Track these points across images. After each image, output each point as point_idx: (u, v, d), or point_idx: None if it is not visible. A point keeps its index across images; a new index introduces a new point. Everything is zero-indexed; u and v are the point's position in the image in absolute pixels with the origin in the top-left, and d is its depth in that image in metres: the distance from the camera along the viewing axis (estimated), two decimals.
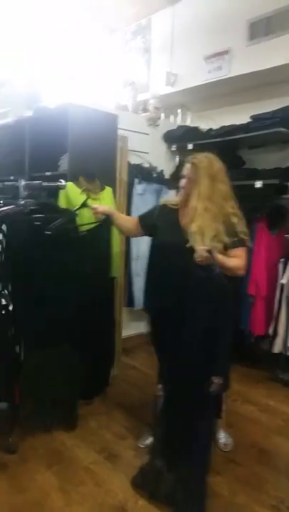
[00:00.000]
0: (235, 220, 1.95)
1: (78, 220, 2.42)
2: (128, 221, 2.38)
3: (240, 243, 1.94)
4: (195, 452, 1.90)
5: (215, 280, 1.76)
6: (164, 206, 2.17)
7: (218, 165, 1.99)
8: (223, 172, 1.99)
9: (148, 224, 2.19)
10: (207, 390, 1.84)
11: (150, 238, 2.24)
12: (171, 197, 2.29)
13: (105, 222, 2.36)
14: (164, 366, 2.18)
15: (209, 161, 1.98)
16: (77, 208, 2.42)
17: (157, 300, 2.11)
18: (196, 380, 1.86)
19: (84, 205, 2.45)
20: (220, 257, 1.80)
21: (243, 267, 1.94)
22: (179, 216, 2.07)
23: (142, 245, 3.46)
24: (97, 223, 2.40)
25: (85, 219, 2.52)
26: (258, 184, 3.23)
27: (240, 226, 1.96)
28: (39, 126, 3.09)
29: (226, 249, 1.89)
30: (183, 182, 2.05)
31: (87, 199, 2.50)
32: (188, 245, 1.85)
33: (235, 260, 1.90)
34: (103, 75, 4.84)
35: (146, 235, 2.28)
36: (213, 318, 1.84)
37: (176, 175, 3.86)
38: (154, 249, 2.19)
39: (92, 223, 2.42)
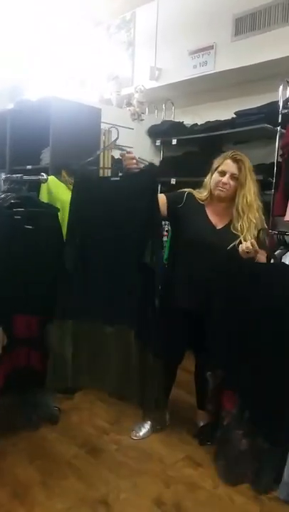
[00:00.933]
0: (264, 225, 2.07)
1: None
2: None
3: (263, 247, 1.99)
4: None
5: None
6: (192, 195, 2.14)
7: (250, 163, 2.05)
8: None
9: (174, 205, 2.12)
10: None
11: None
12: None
13: None
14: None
15: (248, 160, 2.04)
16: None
17: (190, 297, 2.09)
18: None
19: None
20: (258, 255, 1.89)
21: None
22: (207, 212, 2.08)
23: None
24: None
25: None
26: None
27: (266, 232, 2.10)
28: (21, 119, 3.06)
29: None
30: (226, 178, 2.03)
31: None
32: (229, 246, 1.95)
33: (263, 259, 1.98)
34: (87, 68, 4.80)
35: (166, 214, 2.16)
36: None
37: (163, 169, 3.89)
38: (181, 244, 2.15)
39: None
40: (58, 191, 2.53)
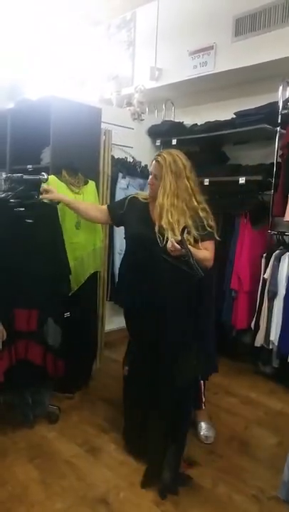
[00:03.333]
0: (203, 214, 2.02)
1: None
2: (93, 209, 2.41)
3: (208, 236, 2.01)
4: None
5: (189, 267, 1.78)
6: (135, 199, 2.23)
7: (182, 161, 2.03)
8: (188, 168, 2.04)
9: (117, 214, 2.27)
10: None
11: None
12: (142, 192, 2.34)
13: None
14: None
15: (173, 158, 2.02)
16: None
17: (133, 295, 2.13)
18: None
19: None
20: (190, 248, 1.83)
21: (211, 258, 2.02)
22: (149, 210, 2.13)
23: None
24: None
25: (70, 214, 2.51)
26: (242, 180, 3.25)
27: (208, 220, 2.03)
28: (21, 119, 3.06)
29: (195, 242, 1.96)
30: (149, 179, 2.12)
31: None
32: (160, 238, 1.92)
33: (204, 252, 1.98)
34: (87, 68, 4.80)
35: (114, 224, 2.43)
36: (191, 303, 1.91)
37: None
38: (127, 242, 2.24)
39: None
40: (58, 190, 2.52)
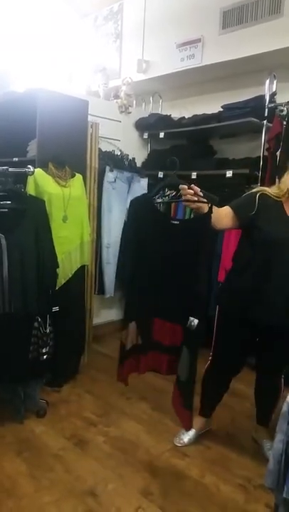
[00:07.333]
0: None
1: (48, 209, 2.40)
2: (221, 216, 1.97)
3: None
4: None
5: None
6: (265, 196, 1.95)
7: None
8: None
9: (247, 215, 1.93)
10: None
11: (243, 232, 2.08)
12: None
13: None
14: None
15: None
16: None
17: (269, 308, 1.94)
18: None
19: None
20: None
21: None
22: (285, 209, 1.93)
23: (112, 233, 3.45)
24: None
25: (57, 207, 2.50)
26: (229, 174, 3.25)
27: None
28: (7, 111, 3.01)
29: None
30: None
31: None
32: None
33: None
34: (74, 60, 4.75)
35: (240, 227, 2.03)
36: None
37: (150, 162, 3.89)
38: (255, 245, 1.96)
39: None
40: (44, 184, 2.50)
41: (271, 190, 1.96)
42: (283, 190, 1.92)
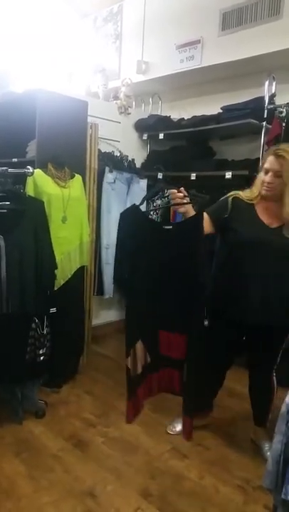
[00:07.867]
0: None
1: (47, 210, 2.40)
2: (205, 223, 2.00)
3: None
4: None
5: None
6: (238, 200, 2.02)
7: None
8: None
9: (220, 218, 2.02)
10: None
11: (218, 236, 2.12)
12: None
13: None
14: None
15: None
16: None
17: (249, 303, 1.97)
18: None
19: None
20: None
21: None
22: (257, 212, 1.98)
23: (112, 234, 3.45)
24: None
25: (57, 208, 2.50)
26: (228, 175, 3.25)
27: None
28: (6, 112, 3.01)
29: None
30: (269, 177, 1.92)
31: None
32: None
33: None
34: (73, 61, 4.75)
35: (216, 230, 2.07)
36: None
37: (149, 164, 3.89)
38: (230, 247, 2.04)
39: None
40: (44, 184, 2.50)
41: (244, 194, 2.05)
42: (255, 194, 2.01)
